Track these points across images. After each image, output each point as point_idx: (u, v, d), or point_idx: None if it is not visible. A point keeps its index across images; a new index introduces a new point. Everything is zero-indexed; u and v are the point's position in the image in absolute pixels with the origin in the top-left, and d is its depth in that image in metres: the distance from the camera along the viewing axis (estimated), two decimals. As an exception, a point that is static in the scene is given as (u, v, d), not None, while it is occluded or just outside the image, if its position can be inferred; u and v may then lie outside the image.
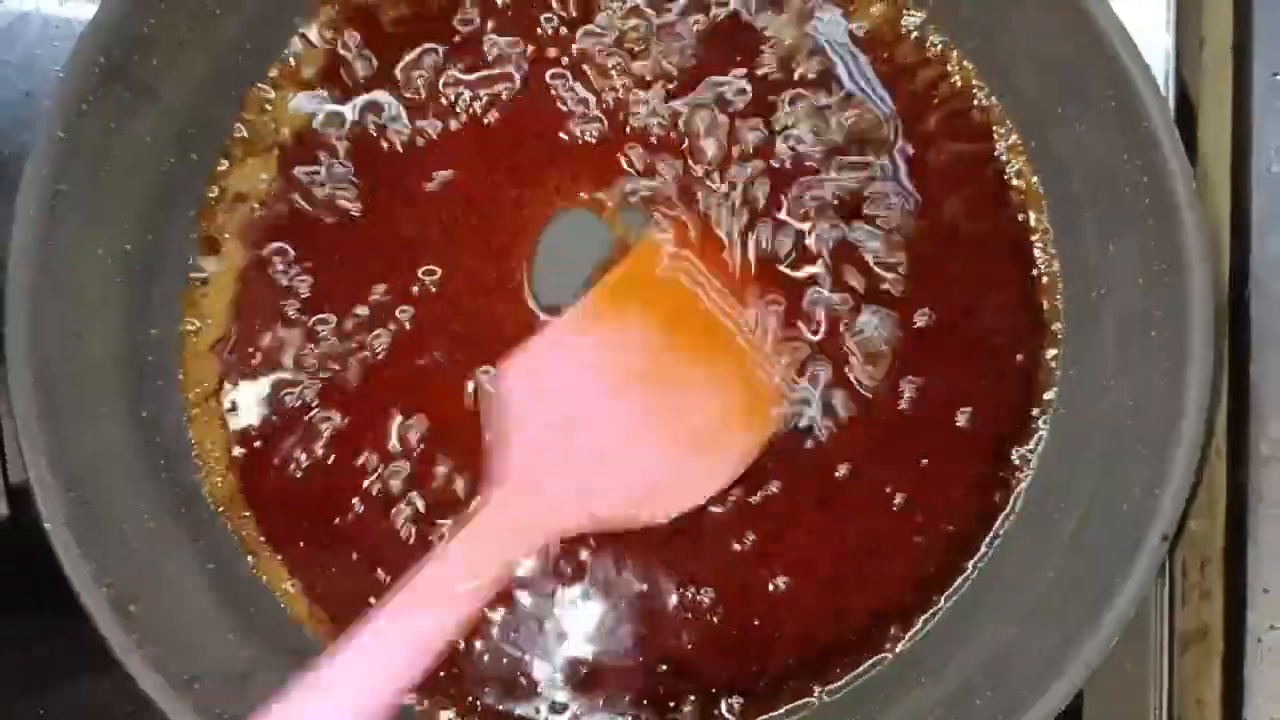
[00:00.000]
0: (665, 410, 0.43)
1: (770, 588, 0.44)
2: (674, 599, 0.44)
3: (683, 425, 0.43)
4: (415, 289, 0.44)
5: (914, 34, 0.45)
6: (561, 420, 0.43)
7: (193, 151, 0.44)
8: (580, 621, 0.44)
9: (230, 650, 0.42)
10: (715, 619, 0.44)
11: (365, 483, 0.44)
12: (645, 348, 0.44)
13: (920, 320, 0.45)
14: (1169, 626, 0.49)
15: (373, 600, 0.42)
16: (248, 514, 0.44)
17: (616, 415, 0.43)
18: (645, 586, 0.44)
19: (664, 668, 0.44)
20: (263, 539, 0.44)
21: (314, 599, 0.44)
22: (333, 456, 0.44)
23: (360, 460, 0.44)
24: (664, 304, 0.44)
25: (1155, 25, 0.51)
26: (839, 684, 0.44)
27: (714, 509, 0.44)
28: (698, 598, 0.44)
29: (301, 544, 0.44)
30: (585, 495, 0.42)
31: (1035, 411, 0.45)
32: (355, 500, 0.44)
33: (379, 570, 0.44)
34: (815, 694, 0.44)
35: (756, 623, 0.44)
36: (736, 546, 0.44)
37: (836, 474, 0.44)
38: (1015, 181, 0.45)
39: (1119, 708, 0.48)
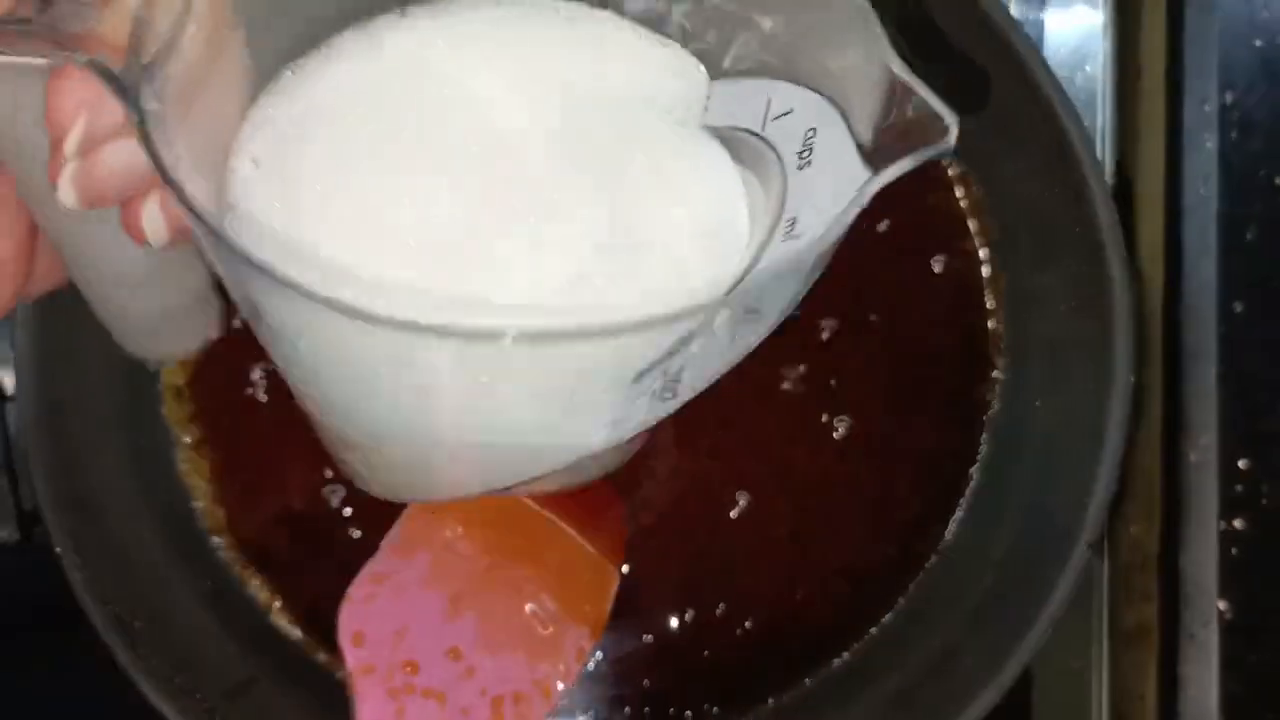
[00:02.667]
0: (505, 619, 0.42)
1: (725, 598, 0.46)
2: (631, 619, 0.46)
3: (526, 626, 0.42)
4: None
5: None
6: (403, 659, 0.41)
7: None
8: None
9: (230, 662, 0.44)
10: (660, 632, 0.46)
11: (344, 501, 0.46)
12: (467, 559, 0.43)
13: (868, 345, 0.47)
14: (1110, 626, 0.51)
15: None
16: (234, 540, 0.46)
17: (456, 638, 0.42)
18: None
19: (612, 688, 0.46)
20: (248, 564, 0.46)
21: (300, 615, 0.46)
22: (312, 476, 0.46)
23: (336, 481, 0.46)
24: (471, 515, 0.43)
25: (1094, 54, 0.53)
26: (793, 689, 0.46)
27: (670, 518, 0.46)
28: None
29: (282, 571, 0.46)
30: None
31: (977, 428, 0.47)
32: (336, 516, 0.46)
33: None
34: (768, 701, 0.46)
35: (709, 632, 0.46)
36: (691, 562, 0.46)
37: (792, 489, 0.46)
38: (960, 211, 0.47)
39: (1065, 702, 0.50)
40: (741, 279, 0.27)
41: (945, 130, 0.25)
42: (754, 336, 0.27)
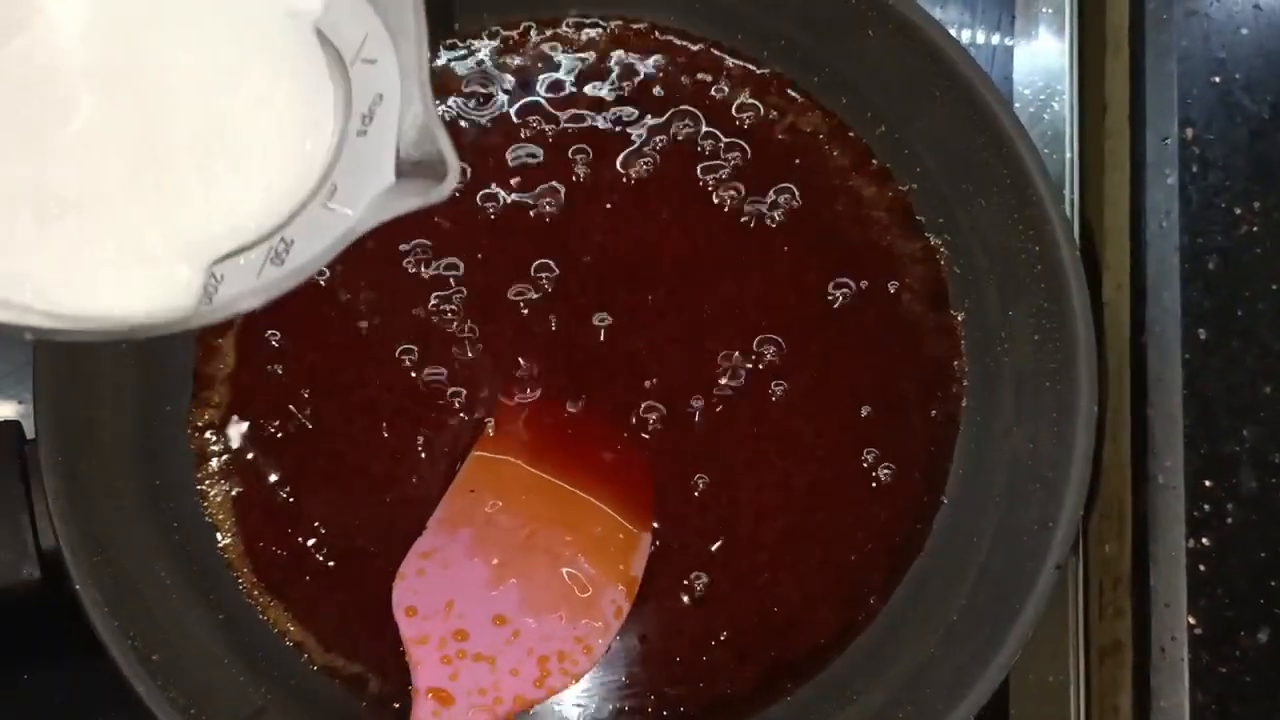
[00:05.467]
0: (545, 583, 0.46)
1: (709, 618, 0.47)
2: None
3: (565, 589, 0.45)
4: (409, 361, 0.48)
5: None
6: (454, 628, 0.44)
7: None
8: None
9: (243, 691, 0.46)
10: (647, 647, 0.48)
11: (363, 534, 0.48)
12: (506, 531, 0.46)
13: (847, 378, 0.49)
14: (1086, 641, 0.52)
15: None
16: (252, 569, 0.48)
17: (501, 605, 0.45)
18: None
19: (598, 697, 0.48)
20: (267, 590, 0.48)
21: (319, 641, 0.48)
22: (331, 512, 0.48)
23: (357, 513, 0.48)
24: (515, 489, 0.46)
25: (1061, 92, 0.55)
26: (778, 705, 0.47)
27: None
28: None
29: (303, 594, 0.48)
30: (496, 690, 0.44)
31: (949, 455, 0.49)
32: (353, 549, 0.48)
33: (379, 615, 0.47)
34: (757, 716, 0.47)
35: (696, 650, 0.47)
36: (684, 581, 0.48)
37: (773, 515, 0.48)
38: (931, 251, 0.50)
39: (1044, 715, 0.52)
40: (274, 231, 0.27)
41: (444, 175, 0.26)
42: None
